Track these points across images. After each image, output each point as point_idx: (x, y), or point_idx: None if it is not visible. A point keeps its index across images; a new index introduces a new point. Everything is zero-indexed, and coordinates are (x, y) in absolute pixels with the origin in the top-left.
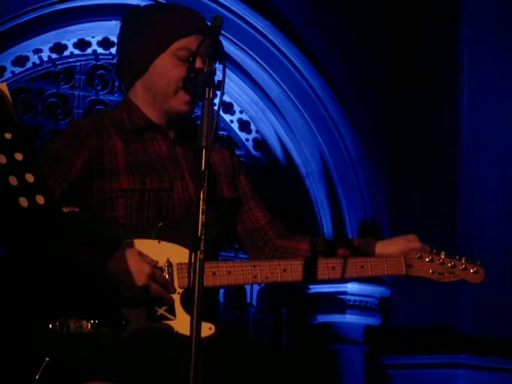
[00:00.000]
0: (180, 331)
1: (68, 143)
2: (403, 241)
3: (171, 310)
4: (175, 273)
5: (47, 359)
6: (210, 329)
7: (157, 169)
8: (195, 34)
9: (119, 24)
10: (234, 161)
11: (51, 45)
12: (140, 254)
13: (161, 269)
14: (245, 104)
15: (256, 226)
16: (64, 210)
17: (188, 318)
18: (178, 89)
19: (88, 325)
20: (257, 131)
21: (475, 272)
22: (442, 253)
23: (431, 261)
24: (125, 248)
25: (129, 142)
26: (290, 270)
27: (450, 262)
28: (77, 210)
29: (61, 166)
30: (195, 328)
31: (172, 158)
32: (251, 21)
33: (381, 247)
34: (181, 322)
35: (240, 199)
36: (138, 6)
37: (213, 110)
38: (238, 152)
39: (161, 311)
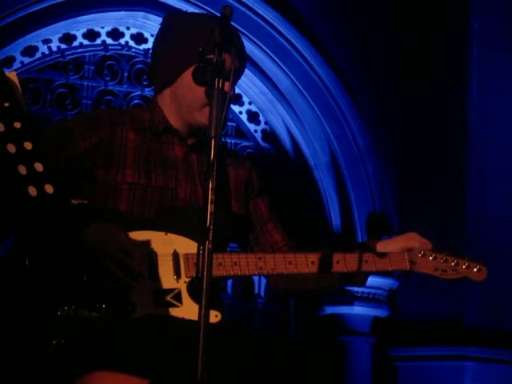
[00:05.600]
0: (186, 317)
1: (81, 123)
2: (403, 239)
3: (178, 298)
4: (182, 263)
5: (54, 342)
6: (216, 316)
7: (165, 168)
8: (235, 53)
9: (129, 15)
10: (252, 181)
11: (60, 35)
12: (117, 228)
13: (167, 258)
14: (254, 95)
15: (274, 248)
16: (73, 202)
17: (194, 305)
18: (204, 104)
19: (95, 310)
20: (265, 122)
21: (478, 270)
22: (445, 251)
23: (435, 258)
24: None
25: (143, 139)
26: (296, 263)
27: (454, 261)
28: (85, 202)
29: (66, 140)
30: (203, 316)
31: (185, 162)
32: (260, 12)
33: (381, 246)
34: (187, 309)
35: (249, 217)
36: (179, 11)
37: (223, 100)
38: (246, 143)
39: (168, 298)
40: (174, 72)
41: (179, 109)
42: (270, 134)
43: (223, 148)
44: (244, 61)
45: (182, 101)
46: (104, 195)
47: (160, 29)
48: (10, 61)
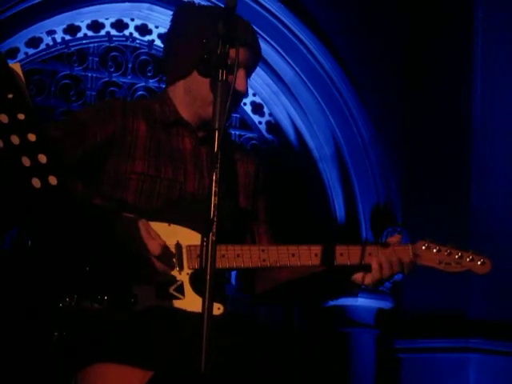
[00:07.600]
0: (189, 309)
1: (95, 114)
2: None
3: (180, 290)
4: (184, 254)
5: (56, 334)
6: (219, 309)
7: (175, 161)
8: (242, 45)
9: (134, 6)
10: (259, 177)
11: (64, 26)
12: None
13: (170, 250)
14: (258, 87)
15: None
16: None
17: (197, 297)
18: None
19: (97, 302)
20: (270, 114)
21: (482, 263)
22: (449, 244)
23: (438, 251)
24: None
25: (153, 130)
26: (299, 255)
27: (458, 253)
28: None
29: (83, 133)
30: (207, 308)
31: (195, 155)
32: (264, 3)
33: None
34: (190, 301)
35: (254, 213)
36: (192, 3)
37: (227, 91)
38: (250, 135)
39: (170, 290)
40: (188, 66)
41: (193, 102)
42: (274, 126)
43: (232, 143)
44: (257, 52)
45: (197, 94)
46: (113, 184)
47: (172, 21)
48: (14, 52)
